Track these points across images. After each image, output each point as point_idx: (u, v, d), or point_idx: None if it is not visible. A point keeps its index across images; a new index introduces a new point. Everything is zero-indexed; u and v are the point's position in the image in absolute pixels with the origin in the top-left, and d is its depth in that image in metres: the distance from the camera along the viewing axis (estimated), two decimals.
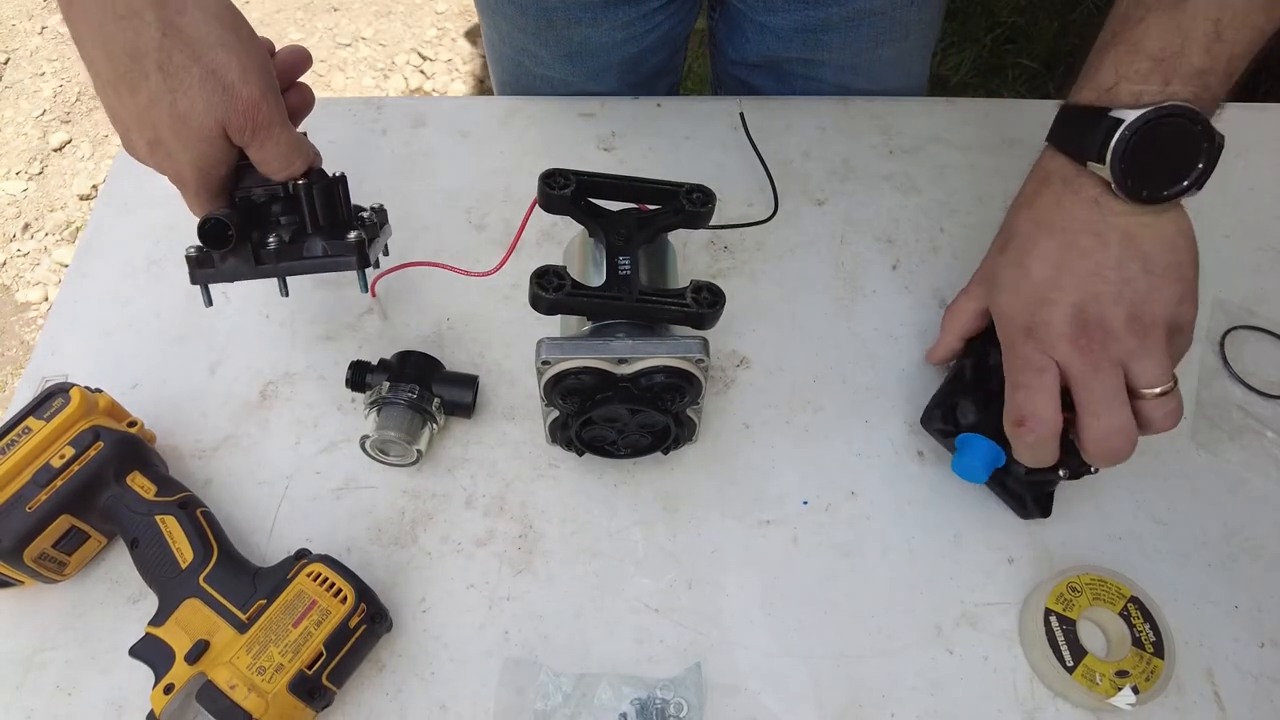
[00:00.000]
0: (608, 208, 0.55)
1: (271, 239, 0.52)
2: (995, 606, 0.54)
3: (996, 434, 0.52)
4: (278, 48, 0.55)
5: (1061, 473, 0.52)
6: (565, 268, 0.49)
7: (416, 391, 0.57)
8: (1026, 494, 0.56)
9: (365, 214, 0.56)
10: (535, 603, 0.54)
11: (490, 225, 0.71)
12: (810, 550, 0.56)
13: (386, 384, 0.57)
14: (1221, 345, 0.64)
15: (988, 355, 0.55)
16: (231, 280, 0.53)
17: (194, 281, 0.53)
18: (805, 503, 0.58)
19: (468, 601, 0.54)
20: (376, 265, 0.57)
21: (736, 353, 0.64)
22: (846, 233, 0.70)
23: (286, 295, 0.54)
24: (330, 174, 0.54)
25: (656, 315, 0.51)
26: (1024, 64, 1.92)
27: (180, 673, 0.47)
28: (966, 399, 0.56)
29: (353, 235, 0.52)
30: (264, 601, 0.49)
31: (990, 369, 0.55)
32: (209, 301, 0.54)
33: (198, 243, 0.51)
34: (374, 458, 0.58)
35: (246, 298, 0.67)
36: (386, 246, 0.61)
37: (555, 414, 0.53)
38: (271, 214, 0.53)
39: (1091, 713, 0.50)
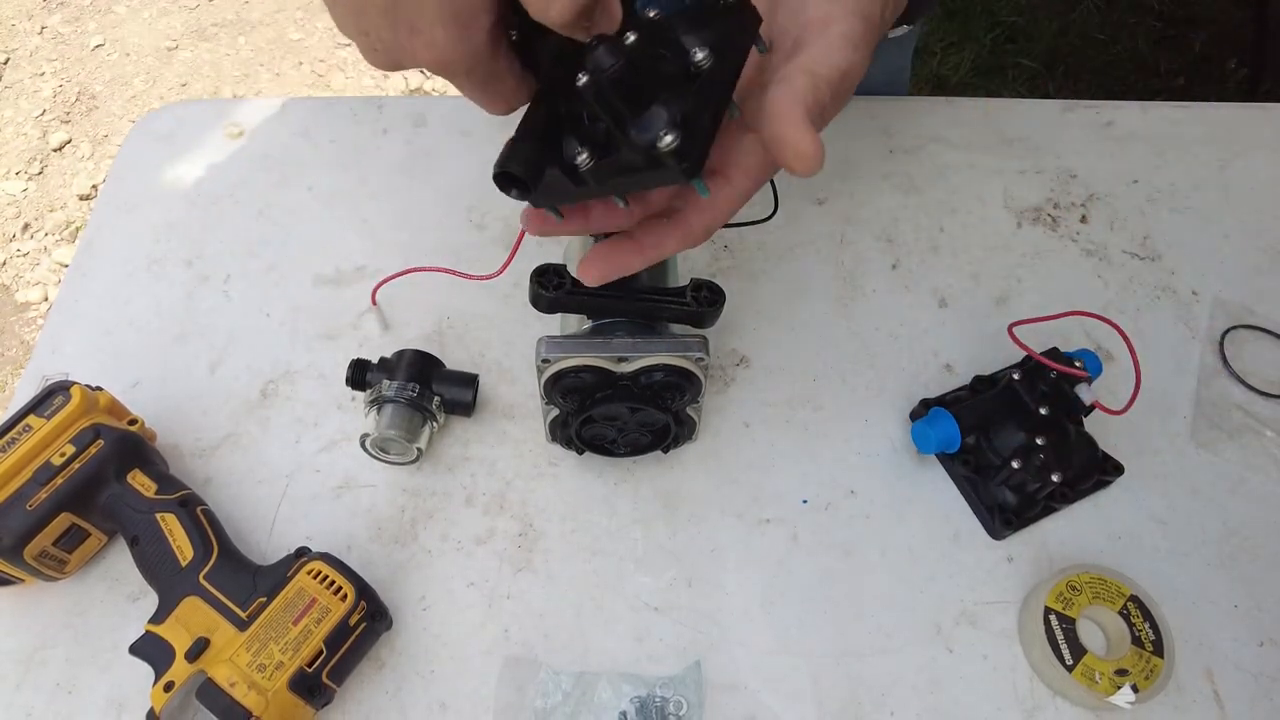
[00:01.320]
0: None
1: (581, 153, 0.38)
2: (995, 605, 0.54)
3: (969, 431, 0.56)
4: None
5: (1056, 476, 0.53)
6: (565, 266, 0.49)
7: (417, 390, 0.57)
8: (996, 508, 0.56)
9: (700, 59, 0.36)
10: (535, 601, 0.54)
11: (491, 224, 0.71)
12: (810, 549, 0.56)
13: (387, 382, 0.57)
14: (1221, 345, 0.64)
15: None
16: (560, 203, 0.42)
17: (536, 205, 0.42)
18: (805, 501, 0.58)
19: (468, 599, 0.54)
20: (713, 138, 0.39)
21: (736, 351, 0.64)
22: (846, 232, 0.70)
23: (626, 206, 0.42)
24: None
25: (656, 313, 0.51)
26: (1024, 64, 1.92)
27: (180, 670, 0.47)
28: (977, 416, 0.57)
29: (666, 141, 0.35)
30: (264, 599, 0.49)
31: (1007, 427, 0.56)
32: (559, 216, 0.43)
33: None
34: (374, 456, 0.58)
35: (247, 296, 0.67)
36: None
37: (555, 412, 0.53)
38: (571, 109, 0.39)
39: (1091, 711, 0.50)
